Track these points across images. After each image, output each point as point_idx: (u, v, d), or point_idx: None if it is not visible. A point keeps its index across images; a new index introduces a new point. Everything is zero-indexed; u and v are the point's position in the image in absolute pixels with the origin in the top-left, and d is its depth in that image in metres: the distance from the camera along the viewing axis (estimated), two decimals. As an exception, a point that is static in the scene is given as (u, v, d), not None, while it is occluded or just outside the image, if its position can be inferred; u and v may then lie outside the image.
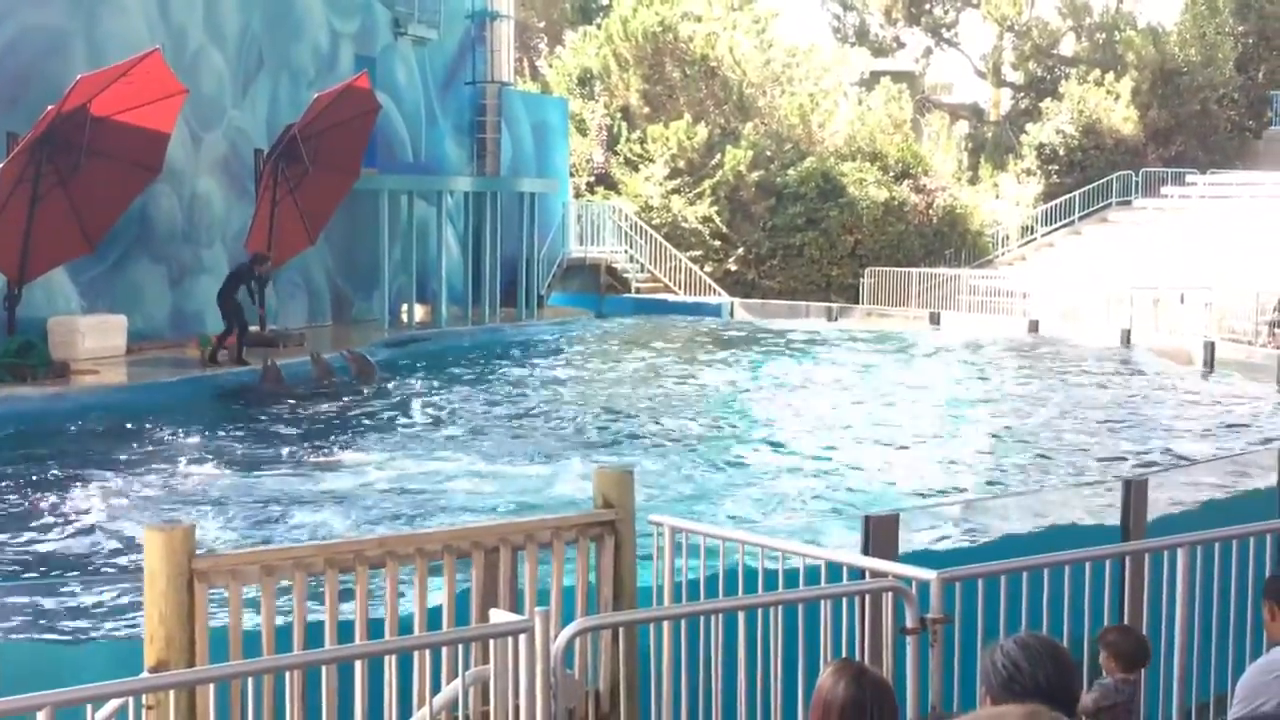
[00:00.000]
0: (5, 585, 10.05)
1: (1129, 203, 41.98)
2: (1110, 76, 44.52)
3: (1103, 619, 6.37)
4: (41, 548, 11.68)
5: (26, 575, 10.69)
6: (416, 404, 20.42)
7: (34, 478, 14.56)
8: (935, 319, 33.02)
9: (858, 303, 36.47)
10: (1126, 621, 6.97)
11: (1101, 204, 42.08)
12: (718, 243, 39.57)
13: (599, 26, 44.42)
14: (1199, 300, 30.06)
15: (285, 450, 16.44)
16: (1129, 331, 29.21)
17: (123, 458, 15.68)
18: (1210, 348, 26.51)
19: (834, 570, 6.68)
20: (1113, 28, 48.03)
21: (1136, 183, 42.36)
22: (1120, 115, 44.26)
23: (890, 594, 6.04)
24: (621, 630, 6.55)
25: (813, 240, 39.30)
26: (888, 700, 3.84)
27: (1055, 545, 7.37)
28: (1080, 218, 41.78)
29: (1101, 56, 46.54)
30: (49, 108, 19.73)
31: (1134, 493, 8.88)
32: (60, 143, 20.49)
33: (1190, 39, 45.34)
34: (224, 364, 21.65)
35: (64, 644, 8.54)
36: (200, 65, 25.02)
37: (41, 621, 8.97)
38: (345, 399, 20.59)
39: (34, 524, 12.49)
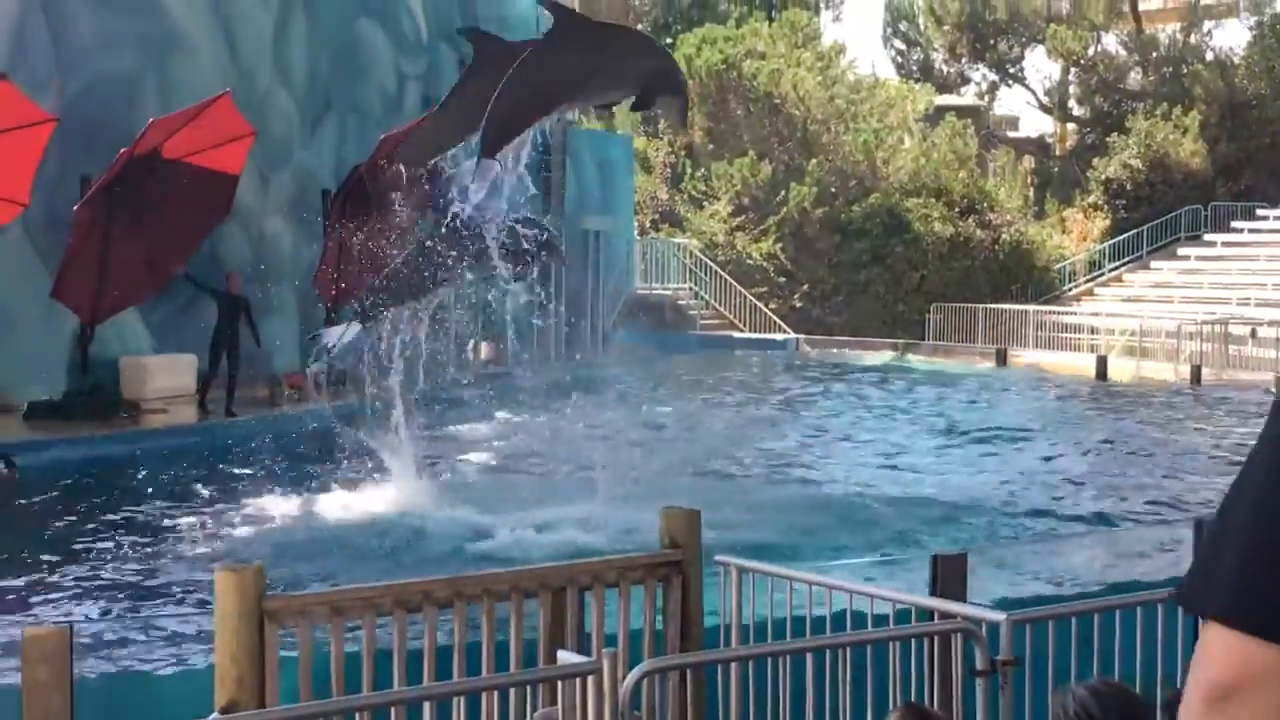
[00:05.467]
0: (82, 623, 10.14)
1: (1198, 237, 41.52)
2: (1177, 110, 44.16)
3: (1176, 662, 6.29)
4: (112, 588, 11.78)
5: (100, 614, 10.78)
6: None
7: (103, 518, 14.70)
8: (1001, 357, 32.80)
9: (924, 339, 36.27)
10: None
11: (1170, 238, 41.65)
12: (782, 279, 39.54)
13: (663, 65, 44.51)
14: (1270, 335, 29.71)
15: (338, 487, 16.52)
16: (1199, 368, 28.88)
17: (192, 497, 15.80)
18: (1283, 383, 26.23)
19: (903, 611, 6.62)
20: (1180, 61, 47.68)
21: (1205, 217, 41.90)
22: (1188, 149, 43.86)
23: (960, 635, 5.99)
24: (689, 672, 6.53)
25: (878, 276, 39.15)
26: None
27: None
28: (1149, 252, 41.38)
29: (1168, 90, 46.17)
30: (121, 151, 20.02)
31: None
32: (133, 185, 20.78)
33: (1259, 72, 44.91)
34: (212, 413, 20.82)
35: (139, 681, 8.61)
36: (269, 107, 25.31)
37: (117, 660, 9.04)
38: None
39: (104, 565, 12.61)
